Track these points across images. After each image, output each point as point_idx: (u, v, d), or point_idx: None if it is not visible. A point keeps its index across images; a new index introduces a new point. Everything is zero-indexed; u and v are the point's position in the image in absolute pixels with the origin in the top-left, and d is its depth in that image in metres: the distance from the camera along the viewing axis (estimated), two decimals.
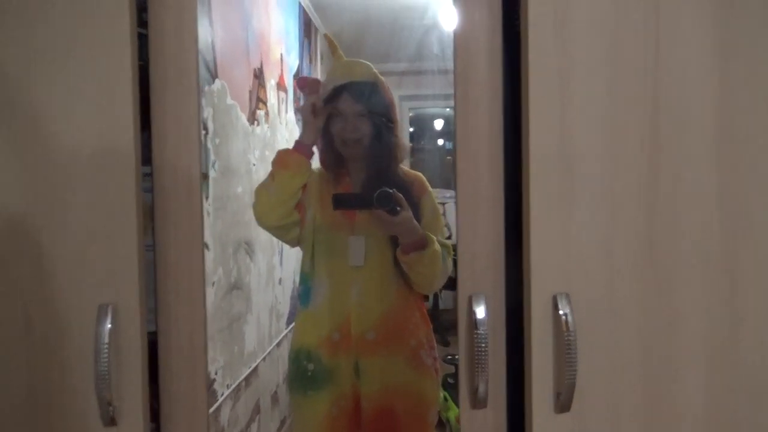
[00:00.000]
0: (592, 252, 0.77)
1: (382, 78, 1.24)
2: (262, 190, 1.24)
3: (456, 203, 0.81)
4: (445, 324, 1.60)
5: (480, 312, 0.79)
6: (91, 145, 0.76)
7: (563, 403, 0.76)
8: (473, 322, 0.79)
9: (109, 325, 0.72)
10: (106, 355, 0.71)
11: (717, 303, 0.78)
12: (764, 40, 0.76)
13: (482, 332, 0.78)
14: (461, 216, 0.81)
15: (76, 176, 0.77)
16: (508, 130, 0.81)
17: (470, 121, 0.81)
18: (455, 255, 1.19)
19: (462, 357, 0.82)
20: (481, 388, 0.78)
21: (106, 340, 0.71)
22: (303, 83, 1.44)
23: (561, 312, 0.75)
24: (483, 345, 0.78)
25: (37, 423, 0.77)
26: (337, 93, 1.22)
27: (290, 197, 1.21)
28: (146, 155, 0.81)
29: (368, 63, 1.25)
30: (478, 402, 0.79)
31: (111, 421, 0.74)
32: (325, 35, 1.31)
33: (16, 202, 0.77)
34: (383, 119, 1.23)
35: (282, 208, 1.22)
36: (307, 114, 1.22)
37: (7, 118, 0.77)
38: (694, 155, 0.77)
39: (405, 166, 1.29)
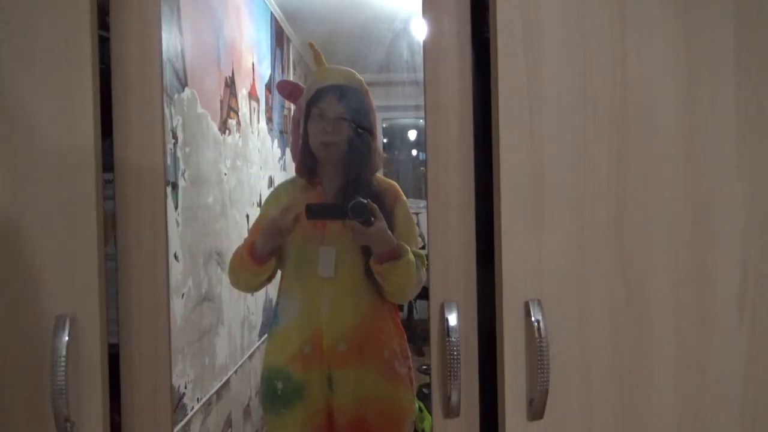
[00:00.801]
0: (562, 258, 0.77)
1: (366, 85, 1.24)
2: (237, 269, 1.24)
3: (427, 211, 0.81)
4: (420, 334, 1.59)
5: (452, 320, 0.78)
6: (50, 149, 0.74)
7: (536, 410, 0.76)
8: (445, 330, 0.78)
9: (66, 338, 0.69)
10: (63, 369, 0.68)
11: (686, 307, 0.78)
12: (725, 43, 0.78)
13: (454, 340, 0.77)
14: (432, 224, 0.81)
15: (34, 181, 0.74)
16: (480, 138, 0.81)
17: (441, 129, 0.81)
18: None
19: (434, 365, 0.81)
20: (454, 397, 0.77)
21: (64, 353, 0.68)
22: (284, 87, 1.42)
23: (533, 319, 0.75)
24: (455, 353, 0.77)
25: None
26: (321, 94, 1.21)
27: (262, 283, 1.24)
28: (109, 162, 0.79)
29: (353, 70, 1.24)
30: (451, 411, 0.78)
31: None
32: (309, 43, 1.30)
33: None
34: (363, 126, 1.23)
35: (256, 287, 1.28)
36: (270, 230, 1.20)
37: None
38: (662, 162, 0.78)
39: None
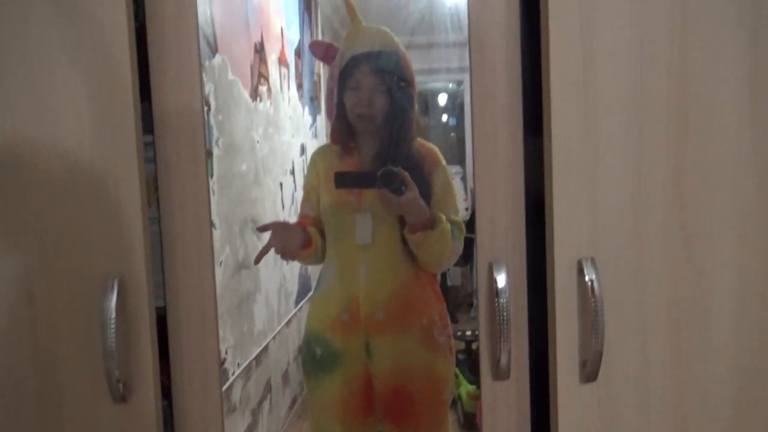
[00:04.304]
0: (618, 215, 0.74)
1: (403, 48, 1.19)
2: None
3: (473, 165, 0.78)
4: (454, 301, 1.57)
5: (501, 280, 0.76)
6: (91, 111, 0.73)
7: (589, 372, 0.73)
8: (494, 290, 0.76)
9: (115, 299, 0.69)
10: (113, 330, 0.68)
11: (750, 265, 0.74)
12: None
13: (504, 301, 0.75)
14: (479, 180, 0.77)
15: (78, 141, 0.73)
16: (528, 86, 0.77)
17: (486, 76, 0.77)
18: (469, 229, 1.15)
19: (482, 327, 0.78)
20: (504, 359, 0.75)
21: (113, 314, 0.68)
22: (317, 47, 1.37)
23: (587, 278, 0.72)
24: (505, 314, 0.75)
25: (45, 400, 0.75)
26: (354, 63, 1.16)
27: (316, 260, 1.24)
28: (148, 125, 0.77)
29: (388, 31, 1.19)
30: (500, 373, 0.76)
31: (121, 398, 0.71)
32: None
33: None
34: (402, 94, 1.18)
35: (314, 263, 1.26)
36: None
37: None
38: (725, 112, 0.73)
39: None
